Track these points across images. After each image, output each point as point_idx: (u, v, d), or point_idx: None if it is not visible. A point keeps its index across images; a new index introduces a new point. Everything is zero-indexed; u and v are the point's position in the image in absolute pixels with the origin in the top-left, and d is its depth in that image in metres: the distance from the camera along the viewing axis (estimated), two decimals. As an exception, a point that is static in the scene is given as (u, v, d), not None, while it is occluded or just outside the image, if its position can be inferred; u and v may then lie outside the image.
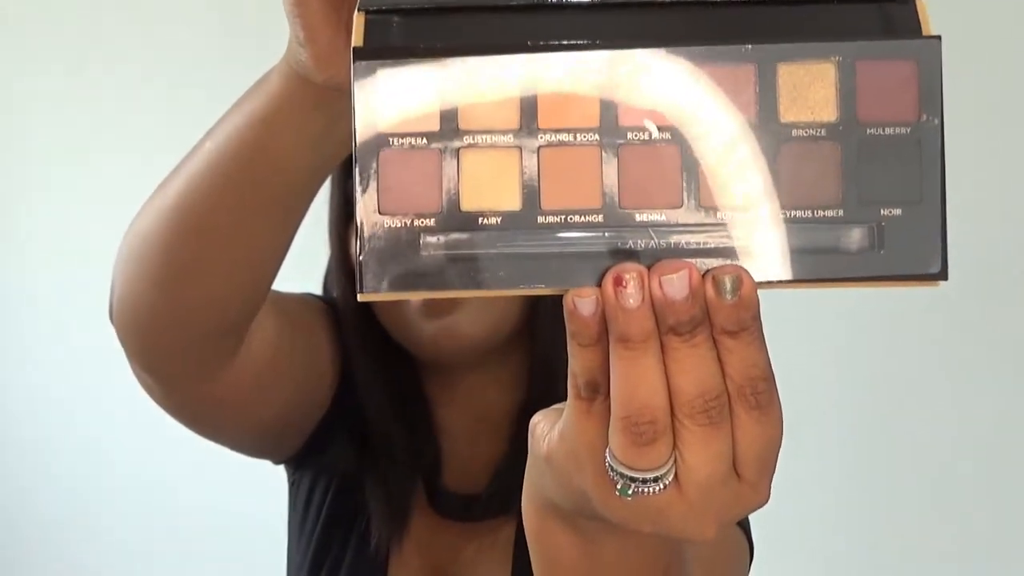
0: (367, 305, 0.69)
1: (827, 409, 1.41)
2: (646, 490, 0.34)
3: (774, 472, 0.36)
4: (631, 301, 0.32)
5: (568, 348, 0.34)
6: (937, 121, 0.33)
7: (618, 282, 0.32)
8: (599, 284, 0.33)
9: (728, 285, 0.32)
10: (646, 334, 0.32)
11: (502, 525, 0.70)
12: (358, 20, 0.35)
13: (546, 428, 0.38)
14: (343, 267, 0.72)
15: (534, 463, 0.39)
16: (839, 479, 1.43)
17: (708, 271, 0.33)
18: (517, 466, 0.70)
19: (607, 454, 0.34)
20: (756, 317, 0.33)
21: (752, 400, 0.33)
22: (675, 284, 0.32)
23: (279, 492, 0.79)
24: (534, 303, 0.69)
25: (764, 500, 0.36)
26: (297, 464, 0.75)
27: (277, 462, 0.76)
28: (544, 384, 0.70)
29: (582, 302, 0.33)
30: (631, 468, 0.34)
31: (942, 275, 0.33)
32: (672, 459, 0.34)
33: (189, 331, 0.57)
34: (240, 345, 0.59)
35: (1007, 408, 1.36)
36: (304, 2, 0.42)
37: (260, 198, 0.51)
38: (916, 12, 0.35)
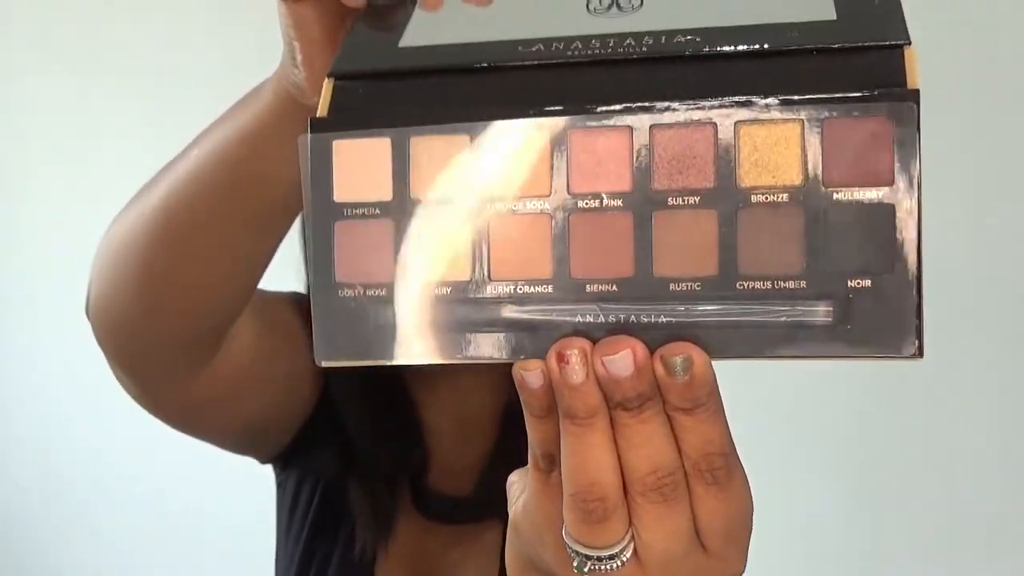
0: None
1: (829, 412, 1.34)
2: (602, 567, 0.33)
3: (749, 540, 0.35)
4: (574, 377, 0.31)
5: (525, 418, 0.34)
6: (913, 184, 0.31)
7: (561, 358, 0.31)
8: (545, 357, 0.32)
9: (679, 366, 0.31)
10: (591, 410, 0.32)
11: (488, 528, 0.69)
12: (326, 87, 0.36)
13: (517, 491, 0.38)
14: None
15: (509, 525, 0.39)
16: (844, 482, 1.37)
17: (657, 351, 0.31)
18: (502, 468, 0.69)
19: (563, 530, 0.34)
20: (712, 393, 0.32)
21: (708, 477, 0.32)
22: (617, 364, 0.31)
23: (272, 492, 0.79)
24: None
25: (738, 570, 0.35)
26: (283, 464, 0.75)
27: (263, 461, 0.76)
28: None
29: (528, 375, 0.32)
30: (585, 546, 0.33)
31: (917, 354, 0.31)
32: (628, 536, 0.33)
33: (164, 334, 0.56)
34: (218, 349, 0.59)
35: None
36: (302, 25, 0.42)
37: (242, 210, 0.50)
38: (903, 61, 0.32)
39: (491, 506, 0.68)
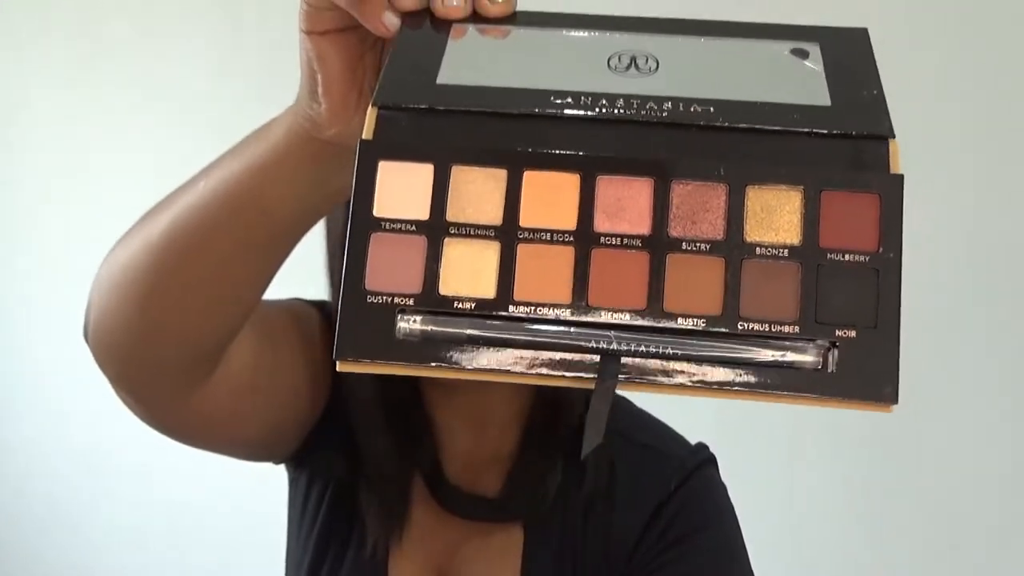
0: None
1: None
2: None
3: None
4: None
5: None
6: (895, 254, 0.35)
7: None
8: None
9: None
10: None
11: (512, 528, 0.69)
12: (370, 114, 0.38)
13: None
14: (336, 278, 0.71)
15: None
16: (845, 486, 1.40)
17: None
18: (527, 469, 0.67)
19: None
20: None
21: None
22: None
23: (280, 488, 0.79)
24: None
25: None
26: (296, 463, 0.76)
27: (277, 463, 0.76)
28: (540, 387, 0.70)
29: None
30: None
31: (892, 399, 0.34)
32: None
33: (165, 356, 0.57)
34: (216, 367, 0.60)
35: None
36: (324, 57, 0.44)
37: (248, 238, 0.52)
38: (887, 150, 0.37)
39: (519, 509, 0.69)
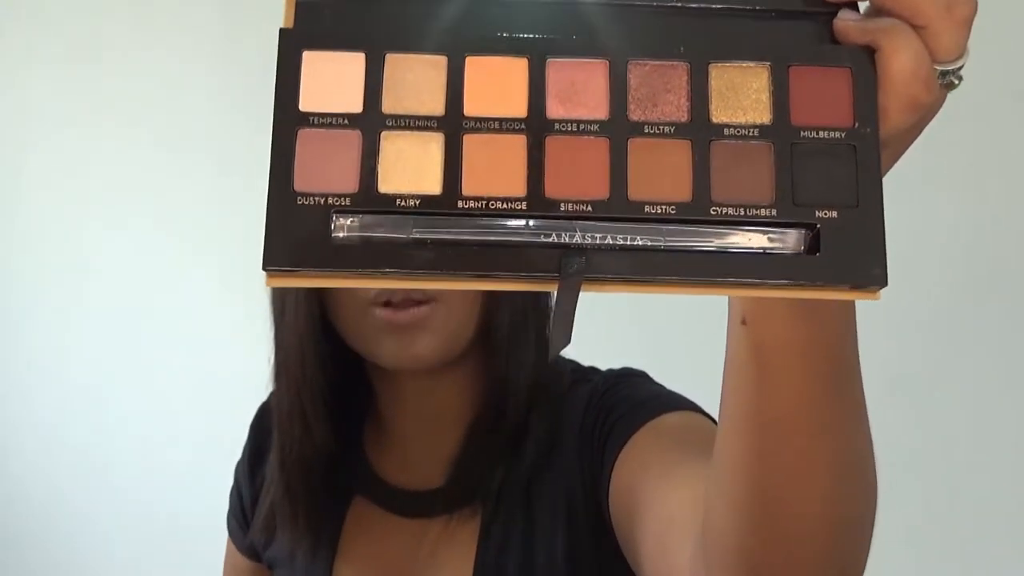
0: (319, 339, 0.66)
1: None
2: None
3: None
4: None
5: None
6: (871, 129, 0.32)
7: None
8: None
9: None
10: None
11: (465, 519, 0.67)
12: (288, 3, 0.34)
13: None
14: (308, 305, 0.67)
15: None
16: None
17: None
18: (474, 458, 0.65)
19: None
20: None
21: None
22: None
23: None
24: (489, 314, 0.66)
25: None
26: None
27: None
28: (499, 395, 0.67)
29: None
30: None
31: (882, 281, 0.32)
32: None
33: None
34: None
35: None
36: None
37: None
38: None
39: (464, 496, 0.66)
